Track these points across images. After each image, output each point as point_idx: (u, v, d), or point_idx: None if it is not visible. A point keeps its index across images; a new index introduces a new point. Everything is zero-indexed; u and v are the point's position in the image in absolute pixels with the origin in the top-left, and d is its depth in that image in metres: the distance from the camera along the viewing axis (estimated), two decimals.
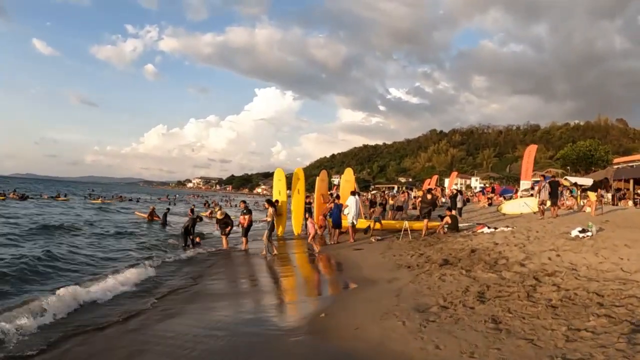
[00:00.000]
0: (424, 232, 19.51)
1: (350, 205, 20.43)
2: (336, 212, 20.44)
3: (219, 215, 20.69)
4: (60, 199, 62.53)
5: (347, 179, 25.66)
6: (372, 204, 29.05)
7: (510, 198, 37.20)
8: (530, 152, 42.25)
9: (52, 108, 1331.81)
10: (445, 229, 19.50)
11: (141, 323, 8.76)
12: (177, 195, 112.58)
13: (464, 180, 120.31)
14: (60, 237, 21.08)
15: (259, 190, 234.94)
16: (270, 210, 18.57)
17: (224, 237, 20.06)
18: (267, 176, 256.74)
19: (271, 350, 7.20)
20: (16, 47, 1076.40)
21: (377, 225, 21.61)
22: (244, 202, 21.34)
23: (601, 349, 5.71)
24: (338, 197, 22.00)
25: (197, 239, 20.61)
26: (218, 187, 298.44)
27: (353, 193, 21.32)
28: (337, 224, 20.52)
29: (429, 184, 61.87)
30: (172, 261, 16.37)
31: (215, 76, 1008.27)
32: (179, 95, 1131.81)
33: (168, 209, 36.08)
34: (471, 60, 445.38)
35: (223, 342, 7.59)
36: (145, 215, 35.22)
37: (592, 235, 13.45)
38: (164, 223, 30.30)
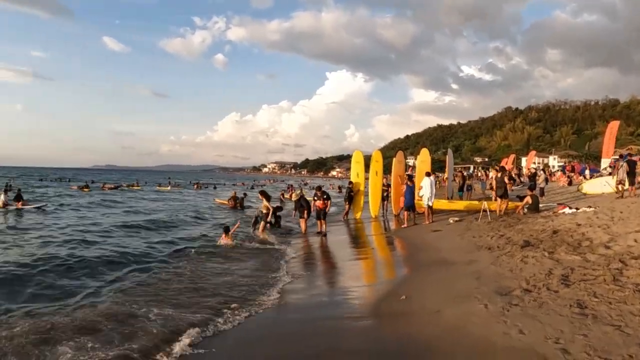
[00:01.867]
0: (498, 213, 19.15)
1: (425, 187, 20.13)
2: (408, 194, 20.17)
3: (293, 197, 20.88)
4: (136, 187, 65.77)
5: (422, 160, 25.40)
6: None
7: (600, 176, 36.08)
8: (612, 129, 41.07)
9: (126, 102, 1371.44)
10: (525, 210, 19.10)
11: None
12: (255, 181, 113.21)
13: (541, 159, 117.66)
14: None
15: (333, 173, 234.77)
16: (265, 202, 19.20)
17: (302, 220, 20.24)
18: (341, 159, 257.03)
19: (351, 334, 7.28)
20: (88, 46, 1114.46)
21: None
22: (320, 188, 21.35)
23: None
24: (410, 178, 21.76)
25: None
26: (293, 171, 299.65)
27: (428, 174, 20.96)
28: (410, 206, 20.23)
29: (506, 164, 60.89)
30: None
31: (285, 62, 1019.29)
32: (249, 83, 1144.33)
33: (245, 194, 36.58)
34: (543, 32, 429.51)
35: (302, 325, 7.67)
36: (226, 201, 35.75)
37: None
38: (242, 207, 30.73)
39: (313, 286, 11.00)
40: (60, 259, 13.18)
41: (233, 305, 8.84)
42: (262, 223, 18.47)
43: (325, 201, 20.04)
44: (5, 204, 29.16)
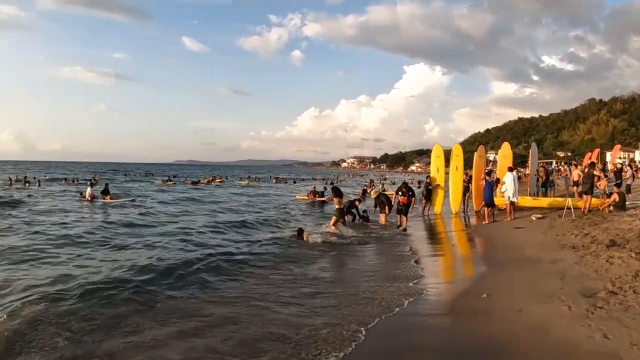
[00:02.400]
0: (583, 210, 18.68)
1: (508, 182, 19.79)
2: (487, 190, 19.85)
3: (372, 194, 20.91)
4: (218, 180, 67.89)
5: (504, 154, 25.06)
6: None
7: None
8: None
9: (206, 100, 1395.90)
10: (611, 207, 18.60)
11: None
12: (334, 175, 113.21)
13: (627, 153, 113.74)
14: None
15: (412, 167, 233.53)
16: (336, 199, 19.11)
17: (382, 215, 20.68)
18: (421, 153, 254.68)
19: (429, 331, 7.36)
20: (168, 47, 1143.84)
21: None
22: (406, 184, 21.26)
23: None
24: (489, 173, 21.32)
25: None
26: (372, 165, 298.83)
27: (510, 169, 20.62)
28: (489, 202, 19.90)
29: (590, 159, 59.30)
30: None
31: (362, 56, 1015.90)
32: (327, 78, 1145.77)
33: (325, 187, 36.86)
34: (627, 18, 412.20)
35: (385, 321, 7.72)
36: (306, 196, 36.03)
37: None
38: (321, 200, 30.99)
39: (389, 281, 10.94)
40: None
41: None
42: (334, 218, 18.49)
43: (410, 197, 19.95)
44: (92, 197, 30.19)
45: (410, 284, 10.30)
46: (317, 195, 34.36)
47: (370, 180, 67.87)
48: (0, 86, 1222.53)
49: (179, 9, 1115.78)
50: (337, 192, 19.60)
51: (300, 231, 17.21)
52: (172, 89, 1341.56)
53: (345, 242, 16.61)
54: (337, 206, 18.81)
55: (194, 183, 60.18)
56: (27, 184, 48.59)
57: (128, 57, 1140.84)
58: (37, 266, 12.45)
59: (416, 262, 13.14)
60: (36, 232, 18.13)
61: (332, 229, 18.10)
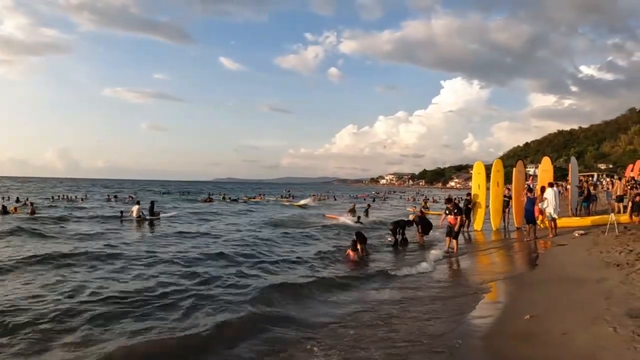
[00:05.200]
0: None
1: (549, 198, 19.54)
2: (529, 206, 19.46)
3: (411, 218, 20.75)
4: (259, 198, 67.63)
5: (544, 169, 24.86)
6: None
7: None
8: None
9: (246, 117, 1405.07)
10: None
11: None
12: (377, 192, 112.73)
13: None
14: None
15: (452, 183, 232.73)
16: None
17: (419, 235, 20.55)
18: (460, 169, 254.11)
19: (471, 353, 7.22)
20: (207, 67, 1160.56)
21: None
22: (450, 200, 20.78)
23: None
24: (530, 189, 20.94)
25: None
26: (411, 182, 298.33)
27: (551, 185, 20.38)
28: (530, 219, 19.47)
29: (632, 170, 58.29)
30: None
31: (398, 72, 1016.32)
32: (365, 95, 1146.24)
33: (369, 205, 36.74)
34: None
35: (424, 345, 7.62)
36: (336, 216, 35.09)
37: None
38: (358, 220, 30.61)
39: (430, 301, 10.81)
40: None
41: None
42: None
43: (457, 216, 18.56)
44: (139, 216, 30.61)
45: (451, 305, 10.17)
46: (354, 214, 32.95)
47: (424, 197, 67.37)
48: (44, 106, 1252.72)
49: (217, 29, 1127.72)
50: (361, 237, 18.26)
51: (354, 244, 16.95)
52: (215, 107, 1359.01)
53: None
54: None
55: (232, 200, 60.52)
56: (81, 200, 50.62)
57: (168, 77, 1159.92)
58: None
59: (452, 280, 13.11)
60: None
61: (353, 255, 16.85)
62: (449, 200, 20.52)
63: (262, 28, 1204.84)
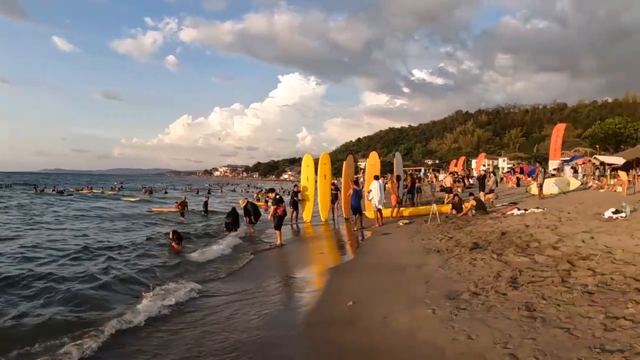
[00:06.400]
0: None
1: (374, 190, 20.11)
2: (355, 198, 19.91)
3: (240, 204, 20.57)
4: (87, 191, 64.53)
5: (372, 163, 25.36)
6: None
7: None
8: (558, 131, 41.89)
9: (76, 104, 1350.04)
10: (474, 211, 19.20)
11: None
12: (209, 185, 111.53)
13: (491, 161, 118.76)
14: None
15: (285, 176, 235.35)
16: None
17: (250, 225, 20.18)
18: (293, 162, 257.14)
19: (291, 342, 7.09)
20: (37, 46, 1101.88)
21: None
22: (273, 190, 20.80)
23: None
24: (356, 181, 21.45)
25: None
26: (245, 174, 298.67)
27: (376, 177, 20.96)
28: (357, 209, 19.91)
29: (455, 165, 61.37)
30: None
31: (237, 64, 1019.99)
32: (202, 85, 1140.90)
33: (207, 197, 35.98)
34: (494, 38, 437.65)
35: (241, 336, 7.43)
36: (168, 209, 34.22)
37: (626, 216, 13.13)
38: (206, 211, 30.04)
39: (255, 294, 10.56)
40: None
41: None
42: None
43: (278, 206, 18.07)
44: None
45: (273, 297, 10.06)
46: (185, 207, 31.17)
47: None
48: None
49: (52, 4, 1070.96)
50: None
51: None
52: (42, 91, 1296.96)
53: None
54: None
55: (59, 192, 57.68)
56: None
57: None
58: None
59: (277, 271, 13.06)
60: None
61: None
62: (271, 190, 20.51)
63: (101, 7, 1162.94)
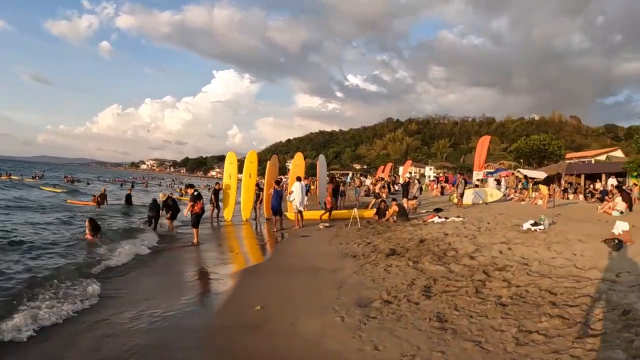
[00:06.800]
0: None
1: (296, 191, 20.04)
2: (276, 198, 19.69)
3: (161, 197, 20.02)
4: (4, 177, 62.28)
5: (297, 164, 25.23)
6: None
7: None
8: (483, 143, 42.56)
9: (2, 85, 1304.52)
10: (395, 217, 19.16)
11: None
12: (134, 177, 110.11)
13: (418, 169, 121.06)
14: None
15: (213, 173, 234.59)
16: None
17: (168, 221, 19.65)
18: (222, 159, 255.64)
19: (194, 347, 6.63)
20: None
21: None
22: (192, 186, 20.20)
23: (554, 354, 5.29)
24: (278, 182, 21.35)
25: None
26: (172, 169, 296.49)
27: (298, 179, 20.88)
28: (277, 210, 19.63)
29: (383, 171, 61.82)
30: None
31: (172, 56, 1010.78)
32: (134, 75, 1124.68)
33: (130, 190, 35.05)
34: (430, 50, 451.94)
35: (146, 338, 6.96)
36: (85, 202, 32.40)
37: (544, 228, 13.17)
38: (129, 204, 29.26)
39: (158, 294, 9.86)
40: None
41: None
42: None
43: (195, 202, 17.24)
44: None
45: (182, 298, 9.53)
46: (105, 201, 30.11)
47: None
48: None
49: None
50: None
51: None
52: None
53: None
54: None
55: None
56: None
57: None
58: None
59: (188, 271, 12.57)
60: None
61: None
62: (190, 185, 19.83)
63: None
